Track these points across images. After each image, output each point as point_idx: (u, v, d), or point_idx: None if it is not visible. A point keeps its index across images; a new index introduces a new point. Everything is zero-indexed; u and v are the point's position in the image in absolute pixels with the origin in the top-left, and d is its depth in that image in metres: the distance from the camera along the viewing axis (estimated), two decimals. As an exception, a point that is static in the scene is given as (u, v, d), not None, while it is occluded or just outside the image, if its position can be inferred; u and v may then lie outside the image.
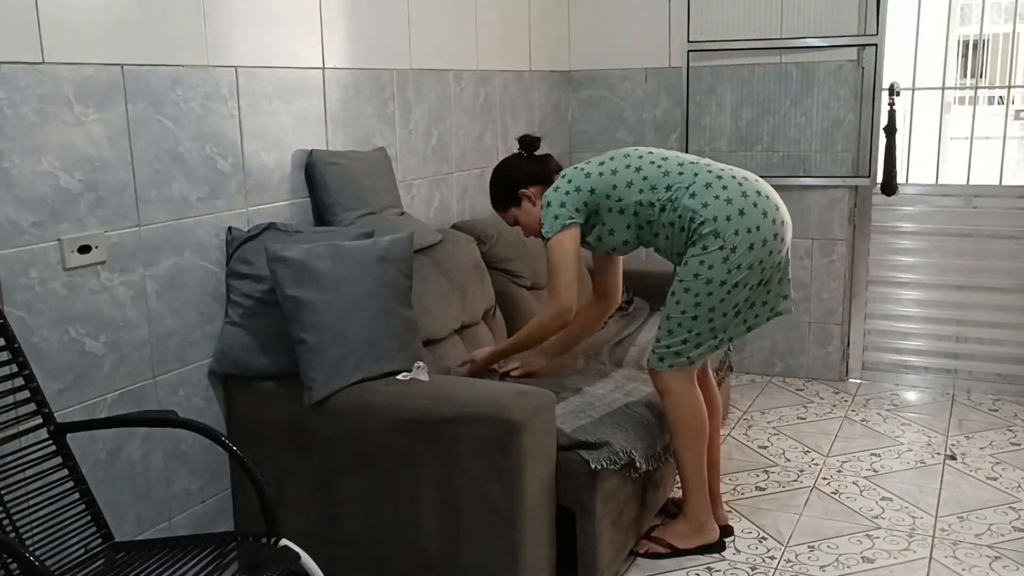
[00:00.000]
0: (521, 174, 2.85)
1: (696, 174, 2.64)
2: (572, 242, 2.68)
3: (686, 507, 2.85)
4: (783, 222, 2.67)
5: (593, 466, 2.46)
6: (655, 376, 2.75)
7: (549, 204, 2.70)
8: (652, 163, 2.68)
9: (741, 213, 2.57)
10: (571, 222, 2.67)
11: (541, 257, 3.64)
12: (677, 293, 2.64)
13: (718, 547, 2.86)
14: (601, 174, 2.69)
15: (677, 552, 2.84)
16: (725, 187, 2.60)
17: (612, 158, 2.73)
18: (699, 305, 2.60)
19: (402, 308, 2.63)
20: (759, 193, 2.64)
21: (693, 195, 2.60)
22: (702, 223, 2.57)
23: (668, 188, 2.63)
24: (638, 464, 2.59)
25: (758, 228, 2.58)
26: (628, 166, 2.69)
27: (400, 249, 2.66)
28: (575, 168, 2.75)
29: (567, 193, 2.68)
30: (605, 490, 2.52)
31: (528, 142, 2.89)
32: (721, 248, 2.56)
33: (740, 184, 2.63)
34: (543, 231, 2.70)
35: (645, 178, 2.66)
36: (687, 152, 4.34)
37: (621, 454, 2.52)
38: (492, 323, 3.36)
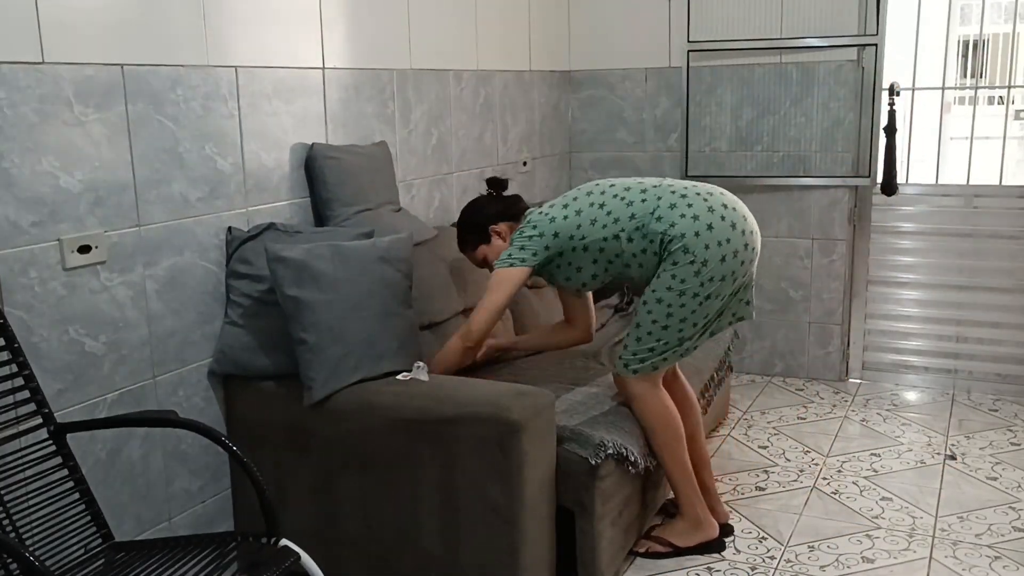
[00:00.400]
0: (491, 211, 2.91)
1: (659, 197, 2.67)
2: (512, 280, 2.72)
3: (679, 506, 2.88)
4: (752, 232, 2.70)
5: (593, 461, 2.46)
6: (621, 382, 2.78)
7: (512, 241, 2.76)
8: (615, 196, 2.72)
9: (709, 228, 2.61)
10: (523, 264, 2.71)
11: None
12: (649, 303, 2.67)
13: (718, 546, 2.87)
14: (566, 217, 2.73)
15: (678, 551, 2.85)
16: (690, 204, 2.64)
17: (576, 198, 2.77)
18: (671, 316, 2.64)
19: (402, 308, 2.63)
20: (725, 206, 2.67)
21: (659, 218, 2.64)
22: (671, 240, 2.61)
23: (632, 217, 2.67)
24: (633, 459, 2.59)
25: (728, 240, 2.62)
26: (592, 204, 2.73)
27: (400, 249, 2.66)
28: (539, 212, 2.79)
29: (530, 238, 2.72)
30: (604, 490, 2.52)
31: (496, 183, 2.97)
32: (692, 262, 2.60)
33: (705, 200, 2.66)
34: (495, 261, 2.76)
35: (608, 213, 2.69)
36: (687, 150, 4.37)
37: (614, 448, 2.52)
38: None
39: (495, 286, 2.71)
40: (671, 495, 2.97)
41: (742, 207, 2.72)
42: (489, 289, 2.72)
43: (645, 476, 2.80)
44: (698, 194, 2.67)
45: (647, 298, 2.67)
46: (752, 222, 2.72)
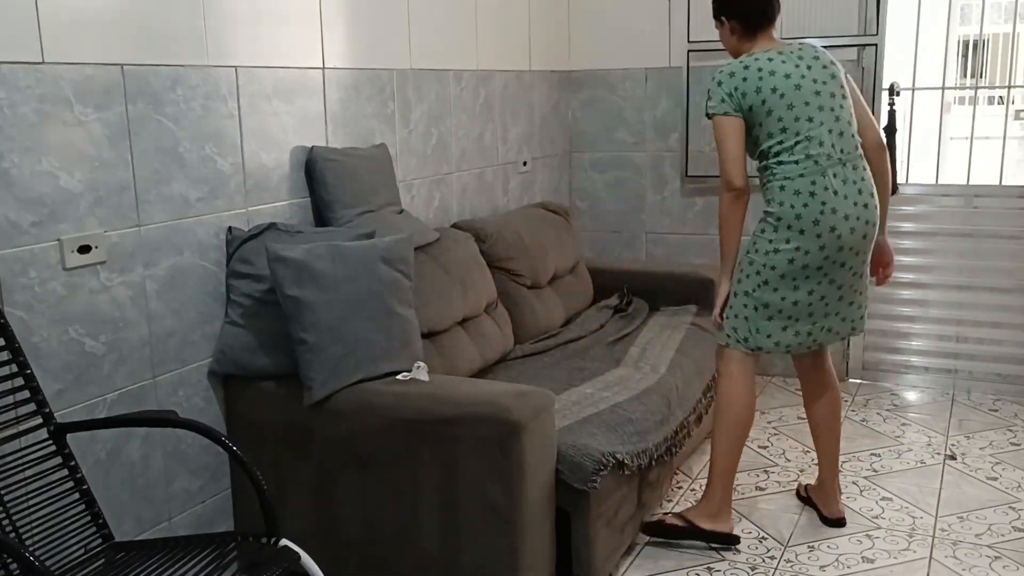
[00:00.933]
0: (729, 4, 2.81)
1: (801, 158, 2.65)
2: (732, 127, 2.67)
3: (707, 488, 2.90)
4: (852, 227, 2.67)
5: (589, 488, 2.45)
6: (718, 353, 2.90)
7: (710, 86, 2.71)
8: (813, 113, 2.67)
9: (794, 206, 2.64)
10: (721, 115, 2.68)
11: (540, 256, 3.65)
12: (741, 261, 2.76)
13: (731, 540, 2.88)
14: (758, 91, 2.66)
15: (694, 529, 2.86)
16: (800, 176, 2.65)
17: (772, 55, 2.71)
18: (740, 282, 2.74)
19: (402, 308, 2.63)
20: (820, 197, 2.64)
21: (787, 177, 2.66)
22: (769, 200, 2.69)
23: (783, 148, 2.66)
24: (624, 461, 2.58)
25: (806, 226, 2.64)
26: (793, 100, 2.66)
27: (400, 249, 2.66)
28: (753, 60, 2.70)
29: (731, 91, 2.67)
30: (599, 493, 2.52)
31: None
32: (769, 239, 2.68)
33: (809, 180, 2.65)
34: (705, 105, 2.73)
35: (780, 123, 2.66)
36: (687, 150, 4.36)
37: (605, 460, 2.50)
38: (495, 315, 3.37)
39: (719, 133, 2.69)
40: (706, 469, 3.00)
41: (863, 196, 2.71)
42: (716, 135, 2.70)
43: (640, 477, 2.80)
44: (810, 180, 2.66)
45: (740, 258, 2.75)
46: (864, 212, 2.70)
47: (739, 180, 2.67)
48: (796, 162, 2.65)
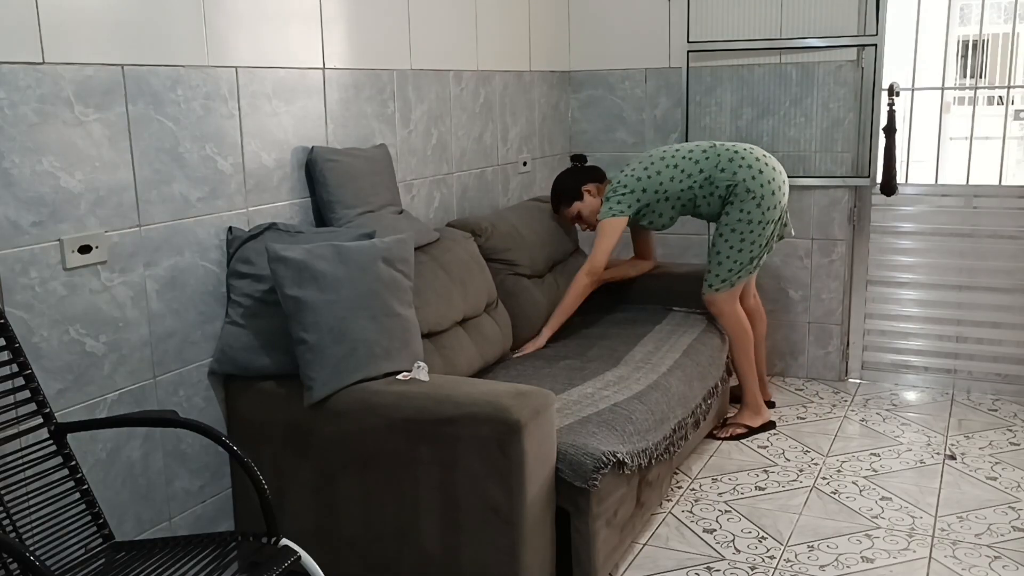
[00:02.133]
0: (582, 175, 3.78)
1: (719, 155, 3.57)
2: (617, 228, 3.60)
3: (745, 397, 3.82)
4: (781, 171, 3.65)
5: (589, 486, 2.46)
6: (711, 302, 3.70)
7: (607, 199, 3.61)
8: (684, 158, 3.60)
9: (760, 172, 3.54)
10: (622, 214, 3.59)
11: (537, 245, 3.67)
12: (725, 235, 3.59)
13: (772, 425, 3.84)
14: (649, 177, 3.60)
15: (751, 431, 3.76)
16: (743, 158, 3.56)
17: (652, 163, 3.62)
18: (743, 240, 3.57)
19: (403, 308, 2.63)
20: (763, 156, 3.61)
21: (723, 170, 3.55)
22: (735, 186, 3.53)
23: (701, 171, 3.57)
24: (624, 460, 2.59)
25: (771, 180, 3.56)
26: (667, 166, 3.60)
27: (401, 249, 2.66)
28: (626, 175, 3.63)
29: (623, 195, 3.59)
30: (599, 490, 2.52)
31: (580, 157, 3.95)
32: (754, 198, 3.53)
33: (751, 152, 3.59)
34: (599, 215, 3.61)
35: (682, 171, 3.59)
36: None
37: (605, 458, 2.50)
38: (495, 315, 3.37)
39: (606, 233, 3.58)
40: (735, 383, 3.91)
41: (770, 156, 3.64)
42: (601, 236, 3.58)
43: (641, 476, 2.80)
44: (744, 149, 3.59)
45: (722, 232, 3.59)
46: (779, 165, 3.65)
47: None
48: None
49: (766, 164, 3.58)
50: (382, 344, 2.55)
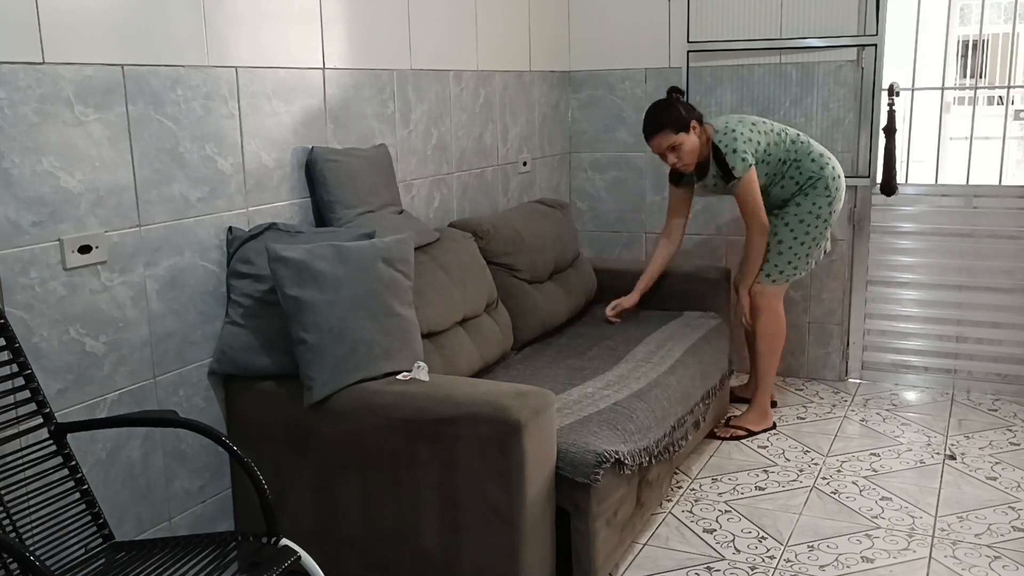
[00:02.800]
0: (692, 110, 3.57)
1: (811, 146, 3.64)
2: (755, 179, 3.56)
3: (757, 398, 3.79)
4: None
5: (590, 481, 2.46)
6: (759, 292, 3.70)
7: (735, 151, 3.48)
8: (780, 133, 3.63)
9: (840, 176, 3.67)
10: (753, 165, 3.53)
11: (539, 250, 3.65)
12: (792, 225, 3.64)
13: (772, 426, 3.81)
14: (764, 134, 3.57)
15: (751, 433, 3.72)
16: (829, 158, 3.66)
17: (755, 124, 3.58)
18: (808, 234, 3.64)
19: (402, 308, 2.63)
20: (831, 157, 3.69)
21: (813, 160, 3.62)
22: (818, 180, 3.61)
23: (796, 153, 3.62)
24: (624, 460, 2.59)
25: (841, 187, 3.67)
26: (771, 130, 3.61)
27: (401, 249, 2.66)
28: (741, 123, 3.55)
29: (747, 141, 3.51)
30: (599, 490, 2.52)
31: (678, 90, 3.70)
32: (828, 196, 3.63)
33: (831, 156, 3.69)
34: (735, 171, 3.49)
35: (782, 143, 3.61)
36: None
37: (607, 455, 2.51)
38: (495, 315, 3.37)
39: (753, 192, 3.54)
40: (737, 383, 4.03)
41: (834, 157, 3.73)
42: (751, 197, 3.54)
43: (640, 476, 2.80)
44: (825, 150, 3.69)
45: (789, 221, 3.64)
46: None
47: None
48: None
49: (837, 166, 3.70)
50: (382, 344, 2.54)
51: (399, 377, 2.54)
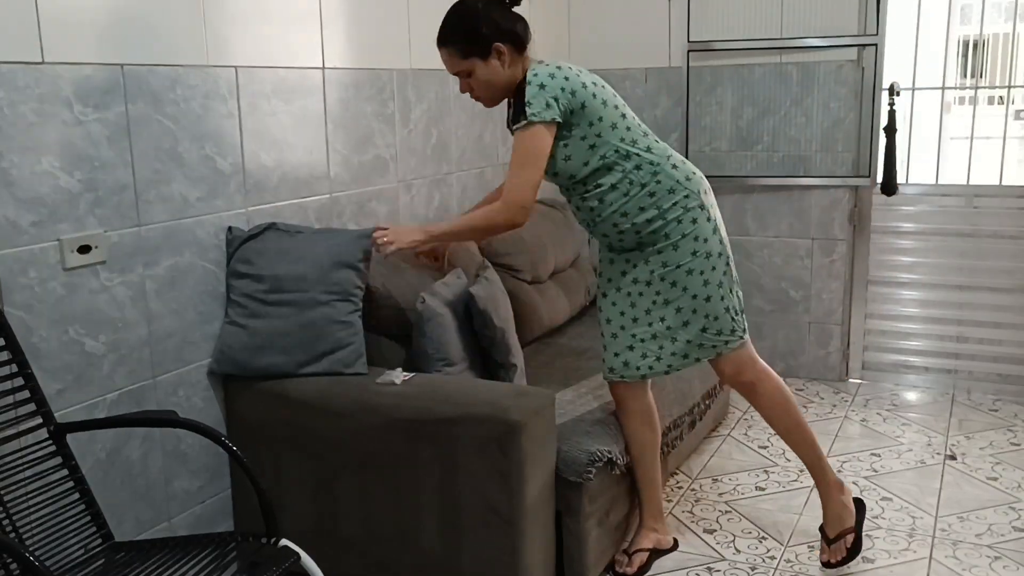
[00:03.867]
0: (503, 25, 2.42)
1: (667, 148, 2.53)
2: (548, 139, 2.34)
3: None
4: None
5: (582, 480, 2.46)
6: (728, 366, 2.59)
7: (542, 86, 2.33)
8: (632, 119, 2.50)
9: (706, 191, 2.54)
10: (554, 120, 2.33)
11: (540, 250, 3.64)
12: (679, 281, 2.45)
13: (675, 547, 2.82)
14: (594, 96, 2.38)
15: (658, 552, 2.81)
16: (684, 162, 2.54)
17: (603, 87, 2.45)
18: (708, 284, 2.46)
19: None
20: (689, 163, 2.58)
21: (675, 166, 2.47)
22: (688, 196, 2.44)
23: (648, 149, 2.45)
24: (616, 460, 2.59)
25: (709, 192, 2.58)
26: (616, 106, 2.43)
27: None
28: (579, 73, 2.41)
29: (561, 89, 2.33)
30: (591, 489, 2.52)
31: None
32: (709, 219, 2.47)
33: (683, 160, 2.56)
34: (529, 112, 2.31)
35: (628, 128, 2.44)
36: (687, 150, 4.36)
37: (600, 454, 2.51)
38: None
39: (533, 151, 2.35)
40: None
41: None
42: (527, 154, 2.35)
43: (632, 477, 2.80)
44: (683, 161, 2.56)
45: (678, 281, 2.46)
46: None
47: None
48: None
49: (705, 187, 2.56)
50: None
51: (378, 381, 2.52)
